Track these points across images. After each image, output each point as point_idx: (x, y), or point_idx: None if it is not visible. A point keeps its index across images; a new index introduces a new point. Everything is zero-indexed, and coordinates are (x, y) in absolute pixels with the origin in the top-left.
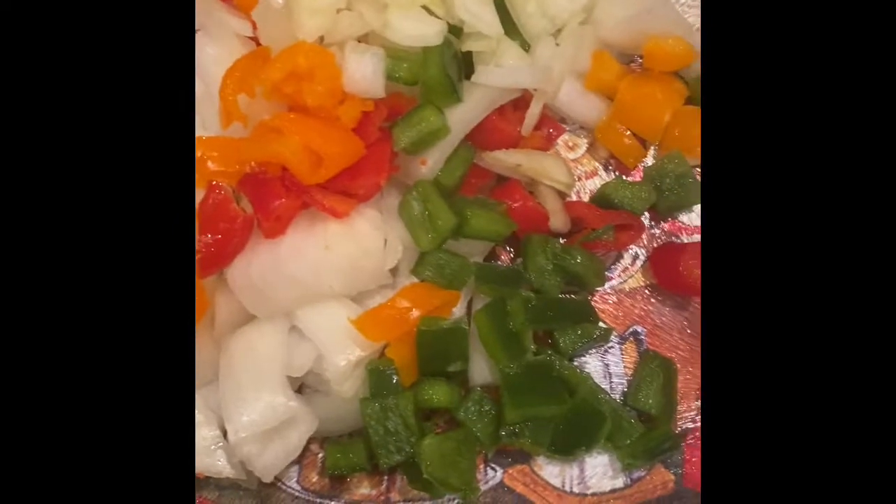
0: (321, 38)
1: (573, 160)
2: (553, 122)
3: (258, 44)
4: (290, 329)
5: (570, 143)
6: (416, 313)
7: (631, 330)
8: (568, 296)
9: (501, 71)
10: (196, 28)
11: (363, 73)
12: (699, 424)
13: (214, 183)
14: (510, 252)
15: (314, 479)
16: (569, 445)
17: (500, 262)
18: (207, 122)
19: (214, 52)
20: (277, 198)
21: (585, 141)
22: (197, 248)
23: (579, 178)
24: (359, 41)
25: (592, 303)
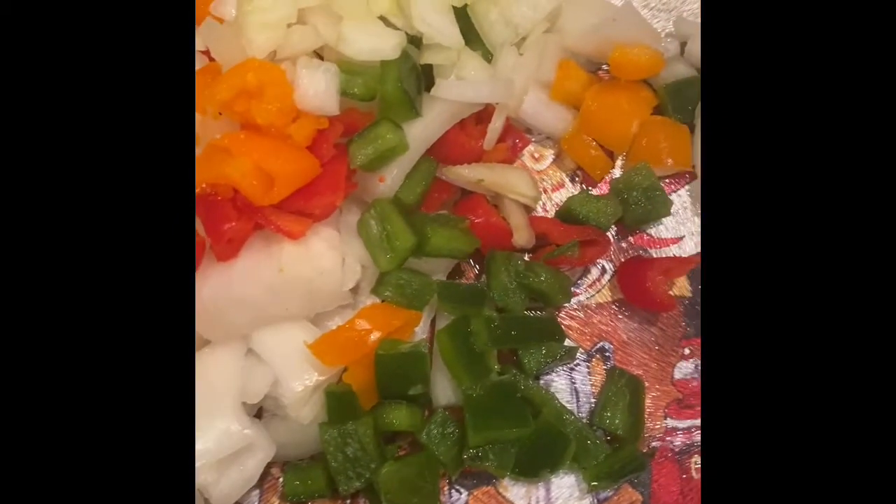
0: (273, 54)
1: (539, 171)
2: (518, 133)
3: (211, 58)
4: (248, 352)
5: (536, 154)
6: (375, 335)
7: (598, 346)
8: (533, 312)
9: (461, 84)
10: None
11: (316, 90)
12: (665, 443)
13: None
14: (476, 268)
15: None
16: (533, 467)
17: (465, 279)
18: None
19: None
20: (229, 220)
21: (552, 152)
22: None
23: (545, 191)
24: (316, 55)
25: (559, 318)
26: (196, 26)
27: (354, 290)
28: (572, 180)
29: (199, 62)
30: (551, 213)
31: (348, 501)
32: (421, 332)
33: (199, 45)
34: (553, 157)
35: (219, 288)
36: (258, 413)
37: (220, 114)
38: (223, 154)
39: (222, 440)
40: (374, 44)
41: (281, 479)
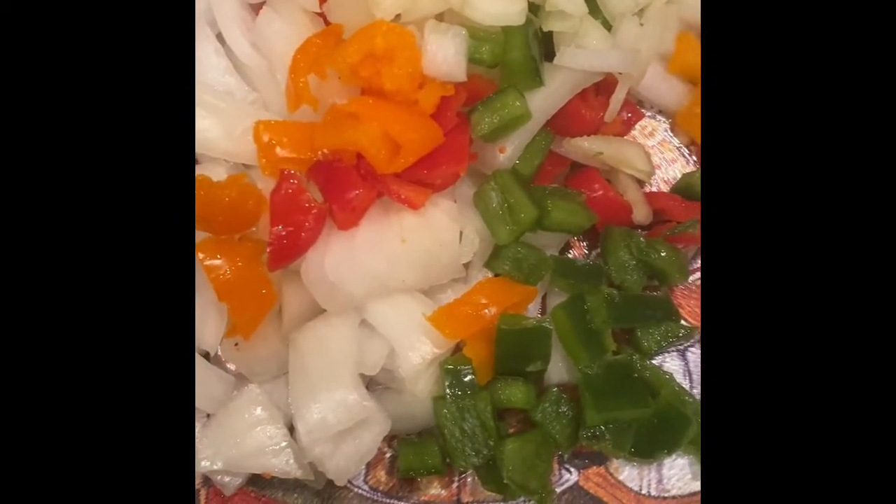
0: (397, 17)
1: (650, 146)
2: (632, 106)
3: (325, 20)
4: (360, 324)
5: (648, 129)
6: (493, 310)
7: None
8: (648, 292)
9: (588, 53)
10: (262, 2)
11: (445, 55)
12: None
13: (287, 172)
14: (584, 244)
15: (382, 479)
16: (650, 448)
17: (574, 254)
18: (270, 103)
19: (281, 29)
20: (353, 188)
21: (664, 126)
22: (268, 239)
23: (657, 166)
24: (435, 19)
25: (672, 298)
26: None
27: (467, 264)
28: (684, 156)
29: (314, 24)
30: (661, 190)
31: (457, 477)
32: (533, 308)
33: (317, 6)
34: (665, 132)
35: (341, 257)
36: (366, 387)
37: (342, 77)
38: (351, 119)
39: (341, 411)
40: (500, 8)
41: (388, 454)
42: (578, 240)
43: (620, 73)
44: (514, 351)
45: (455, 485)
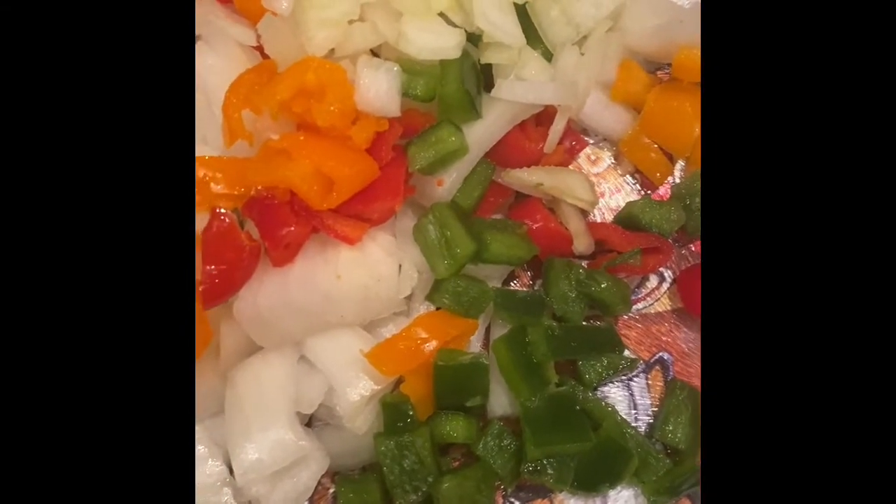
0: (331, 51)
1: (596, 175)
2: (575, 135)
3: (263, 54)
4: (300, 360)
5: (593, 157)
6: (432, 344)
7: (657, 357)
8: (592, 322)
9: (524, 85)
10: (196, 37)
11: (377, 91)
12: None
13: (218, 210)
14: (528, 273)
15: None
16: (593, 482)
17: (518, 284)
18: (209, 137)
19: (215, 63)
20: (286, 225)
21: (609, 154)
22: (200, 278)
23: (602, 195)
24: (371, 53)
25: (616, 328)
26: (253, 20)
27: (408, 297)
28: (630, 185)
29: (251, 58)
30: (607, 218)
31: None
32: (476, 340)
33: (253, 40)
34: (610, 160)
35: (275, 294)
36: (308, 422)
37: (272, 114)
38: (282, 156)
39: (276, 451)
40: (435, 42)
41: (332, 490)
42: (523, 269)
43: (559, 105)
44: (452, 386)
45: None
